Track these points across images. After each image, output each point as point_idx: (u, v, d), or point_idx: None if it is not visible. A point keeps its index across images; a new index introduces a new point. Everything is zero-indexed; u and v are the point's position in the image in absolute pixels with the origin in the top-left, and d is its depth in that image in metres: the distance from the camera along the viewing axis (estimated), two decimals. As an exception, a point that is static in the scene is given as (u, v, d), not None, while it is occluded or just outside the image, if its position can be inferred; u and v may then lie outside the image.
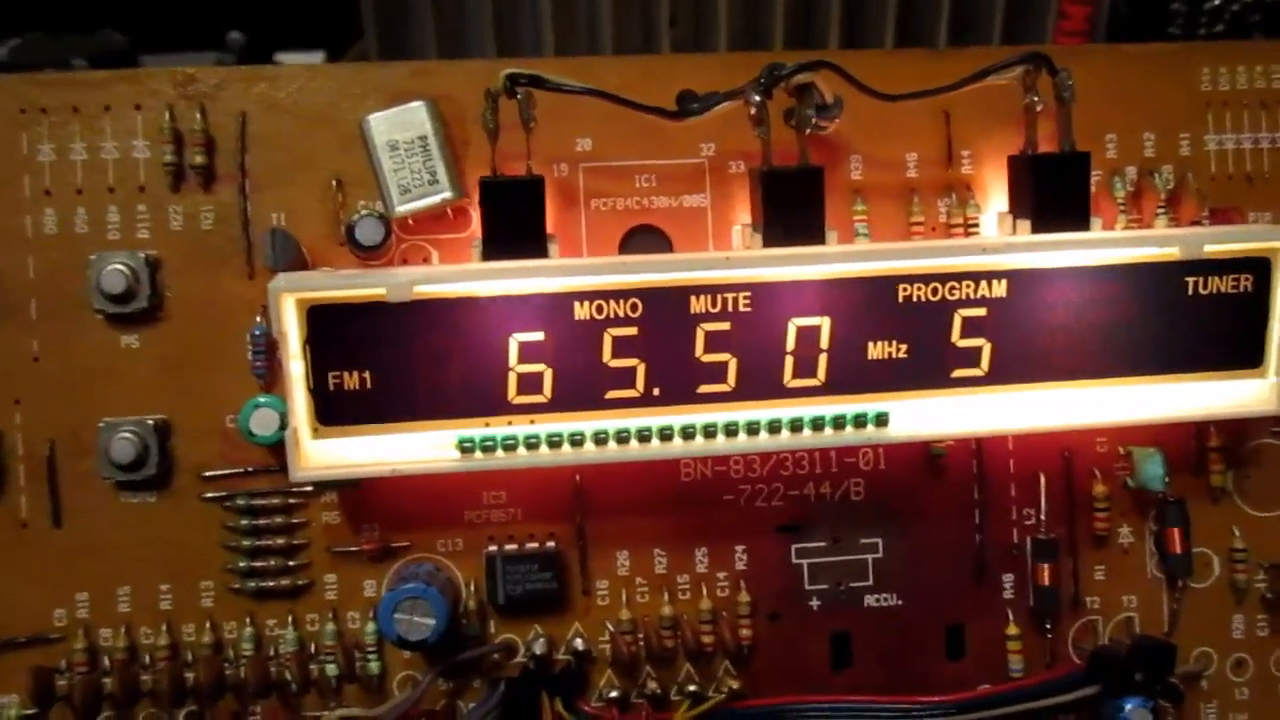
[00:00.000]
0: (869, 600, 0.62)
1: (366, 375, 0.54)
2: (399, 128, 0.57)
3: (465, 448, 0.54)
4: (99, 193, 0.58)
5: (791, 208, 0.56)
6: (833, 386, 0.56)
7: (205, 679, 0.58)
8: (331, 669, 0.59)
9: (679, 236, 0.60)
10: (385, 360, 0.53)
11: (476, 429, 0.54)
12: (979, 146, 0.61)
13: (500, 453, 0.55)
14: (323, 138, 0.58)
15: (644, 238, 0.60)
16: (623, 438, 0.55)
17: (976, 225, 0.60)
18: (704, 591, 0.61)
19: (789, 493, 0.61)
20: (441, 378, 0.54)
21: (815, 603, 0.61)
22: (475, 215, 0.59)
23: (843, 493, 0.61)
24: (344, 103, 0.59)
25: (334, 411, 0.54)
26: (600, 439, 0.55)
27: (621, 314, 0.54)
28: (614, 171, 0.60)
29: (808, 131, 0.56)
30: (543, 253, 0.55)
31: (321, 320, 0.53)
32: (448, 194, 0.57)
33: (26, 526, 0.58)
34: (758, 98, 0.55)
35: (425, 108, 0.57)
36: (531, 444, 0.55)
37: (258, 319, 0.58)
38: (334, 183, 0.58)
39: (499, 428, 0.55)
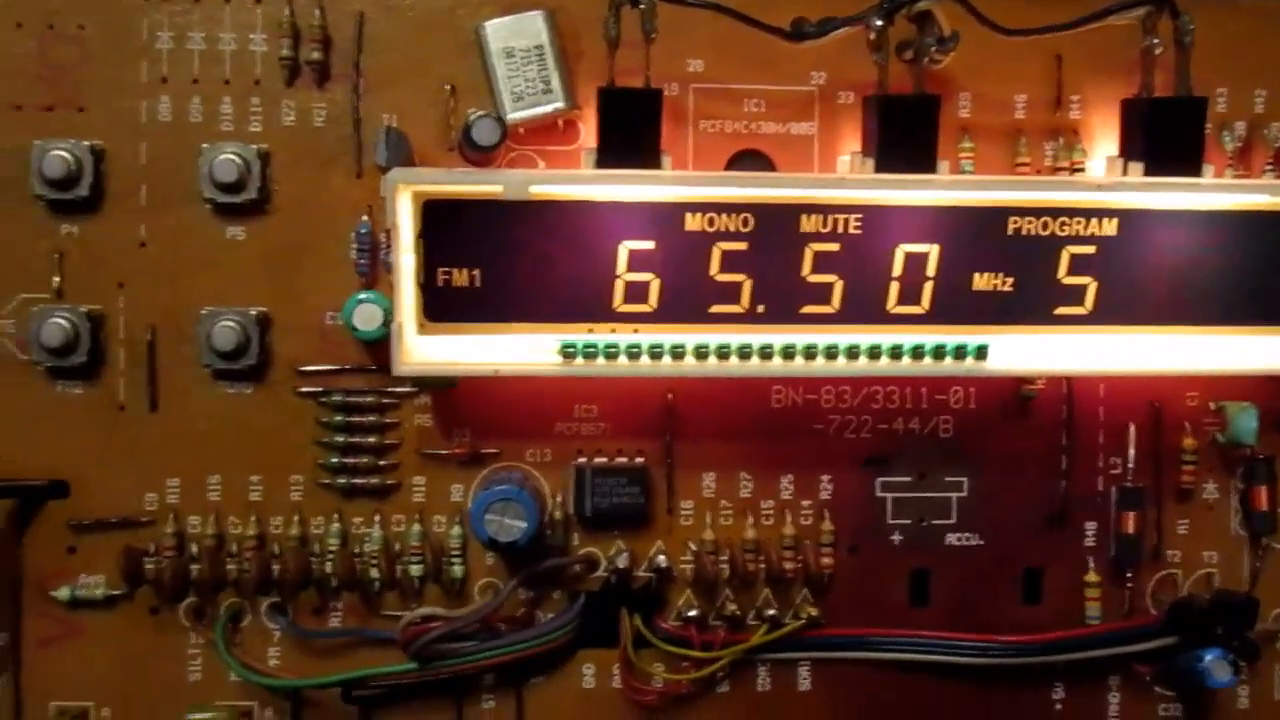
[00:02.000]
0: (950, 539, 0.62)
1: (476, 273, 0.54)
2: (516, 35, 0.58)
3: (567, 353, 0.55)
4: (214, 83, 0.58)
5: (906, 135, 0.56)
6: (935, 315, 0.56)
7: (290, 571, 0.59)
8: (416, 569, 0.59)
9: (784, 163, 0.60)
10: (495, 259, 0.54)
11: (580, 334, 0.55)
12: (1088, 92, 0.61)
13: (601, 360, 0.55)
14: (438, 42, 0.59)
15: (749, 162, 0.60)
16: (723, 353, 0.55)
17: (1083, 169, 0.60)
18: (787, 518, 0.61)
19: (877, 426, 0.61)
20: (549, 280, 0.54)
21: (896, 538, 0.61)
22: (584, 128, 0.59)
23: (931, 429, 0.61)
24: (461, 9, 0.59)
25: (441, 308, 0.54)
26: (701, 353, 0.55)
27: (733, 228, 0.54)
28: (724, 94, 0.60)
29: (925, 62, 0.57)
30: (656, 165, 0.55)
31: (435, 215, 0.53)
32: (560, 104, 0.58)
33: (124, 409, 0.59)
34: (879, 23, 0.55)
35: (543, 17, 0.57)
36: (633, 353, 0.55)
37: (363, 217, 0.58)
38: (447, 88, 0.59)
39: (602, 335, 0.55)
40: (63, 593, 0.58)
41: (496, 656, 0.58)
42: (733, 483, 0.61)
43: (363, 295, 0.57)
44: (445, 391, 0.59)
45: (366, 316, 0.56)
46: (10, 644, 0.59)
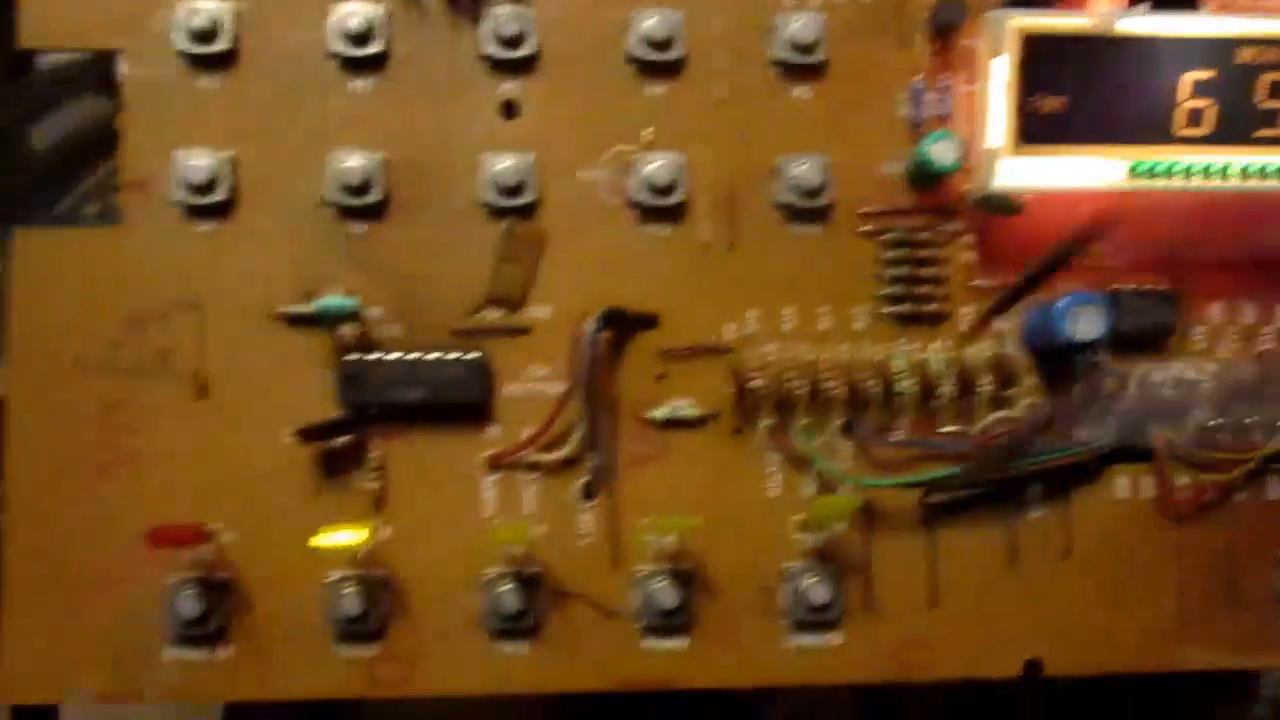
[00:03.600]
0: None
1: (1063, 100, 0.62)
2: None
3: (1136, 173, 0.62)
4: (781, -34, 0.67)
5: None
6: None
7: (858, 393, 0.64)
8: (973, 389, 0.65)
9: None
10: (1079, 87, 0.62)
11: (1146, 156, 0.62)
12: None
13: (1161, 180, 0.62)
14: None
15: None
16: (1265, 173, 0.63)
17: None
18: (1290, 338, 0.68)
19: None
20: (1122, 108, 0.62)
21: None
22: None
23: None
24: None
25: (1032, 133, 0.62)
26: (1248, 172, 0.63)
27: (1277, 60, 0.63)
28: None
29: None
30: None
31: (1033, 48, 0.61)
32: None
33: (706, 249, 0.65)
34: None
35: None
36: (1191, 172, 0.62)
37: (917, 76, 0.66)
38: (982, -33, 0.67)
39: (1165, 156, 0.62)
40: (660, 413, 0.64)
41: (1056, 459, 0.64)
42: (1239, 309, 0.68)
43: (941, 133, 0.64)
44: (990, 224, 0.66)
45: (943, 151, 0.63)
46: (609, 464, 0.64)
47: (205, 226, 0.63)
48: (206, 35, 0.63)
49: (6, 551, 0.62)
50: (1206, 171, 0.62)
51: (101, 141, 0.72)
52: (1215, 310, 0.67)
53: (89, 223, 0.93)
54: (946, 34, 0.65)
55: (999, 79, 0.61)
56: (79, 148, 1.11)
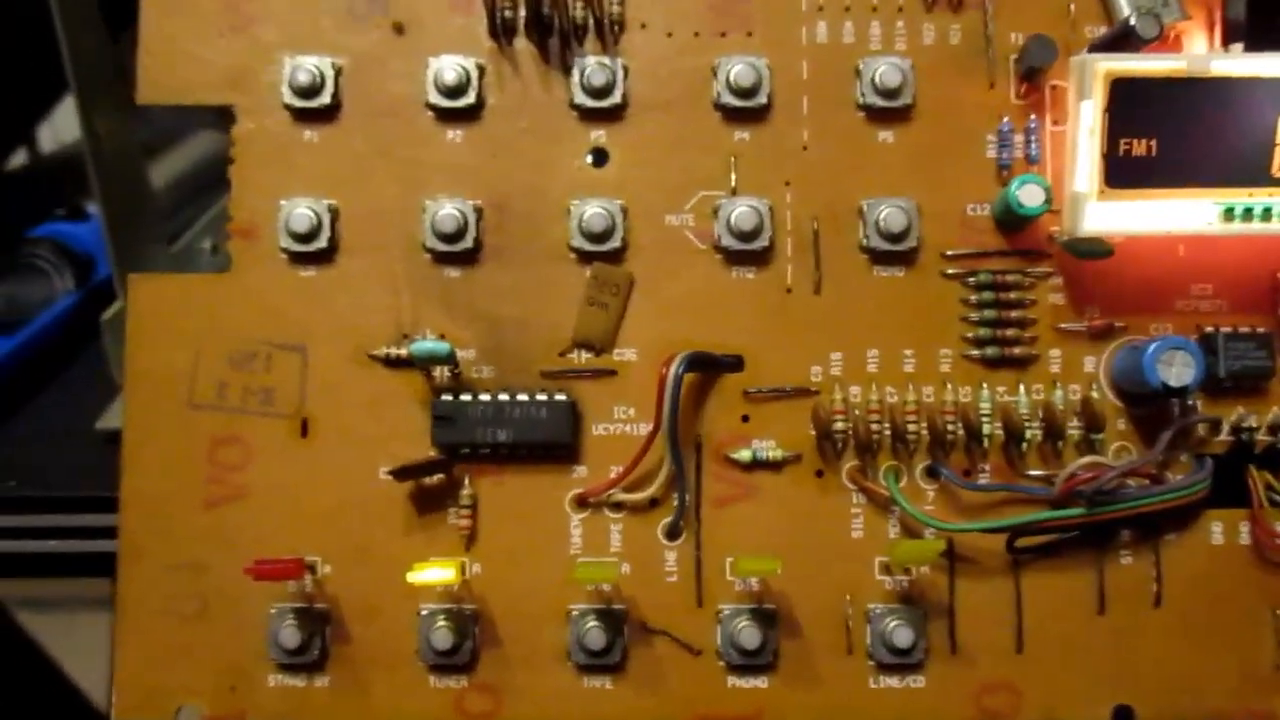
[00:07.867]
0: None
1: (1153, 143, 0.61)
2: (1139, -44, 0.66)
3: (1228, 215, 0.61)
4: (863, 10, 0.67)
5: None
6: None
7: (942, 435, 0.64)
8: (1073, 433, 0.65)
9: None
10: (1171, 130, 0.61)
11: (1240, 199, 0.61)
12: None
13: (1257, 223, 0.61)
14: (1056, -32, 0.67)
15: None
16: (1371, 214, 0.61)
17: None
18: (1396, 384, 0.66)
19: None
20: (1215, 149, 0.61)
21: None
22: (1186, 38, 0.66)
23: None
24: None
25: (1121, 176, 0.61)
26: (1349, 214, 0.61)
27: (1379, 101, 0.61)
28: (1308, 9, 0.68)
29: None
30: (1292, 51, 0.63)
31: (1122, 91, 0.61)
32: (1177, 15, 0.65)
33: (790, 292, 0.66)
34: None
35: (1158, -50, 0.66)
36: (1288, 215, 0.61)
37: (1004, 118, 0.66)
38: (1070, 7, 0.67)
39: (1259, 199, 0.61)
40: (743, 454, 0.65)
41: (1148, 504, 0.63)
42: (1340, 352, 0.66)
43: (1027, 177, 0.64)
44: (1079, 267, 0.65)
45: (1030, 195, 0.63)
46: (692, 504, 0.65)
47: (308, 272, 0.66)
48: (311, 90, 0.66)
49: (120, 578, 0.66)
50: (1304, 214, 0.61)
51: (217, 177, 0.75)
52: (1315, 353, 0.66)
53: (203, 259, 0.98)
54: (1035, 75, 0.65)
55: (1086, 123, 0.61)
56: (195, 184, 1.16)
